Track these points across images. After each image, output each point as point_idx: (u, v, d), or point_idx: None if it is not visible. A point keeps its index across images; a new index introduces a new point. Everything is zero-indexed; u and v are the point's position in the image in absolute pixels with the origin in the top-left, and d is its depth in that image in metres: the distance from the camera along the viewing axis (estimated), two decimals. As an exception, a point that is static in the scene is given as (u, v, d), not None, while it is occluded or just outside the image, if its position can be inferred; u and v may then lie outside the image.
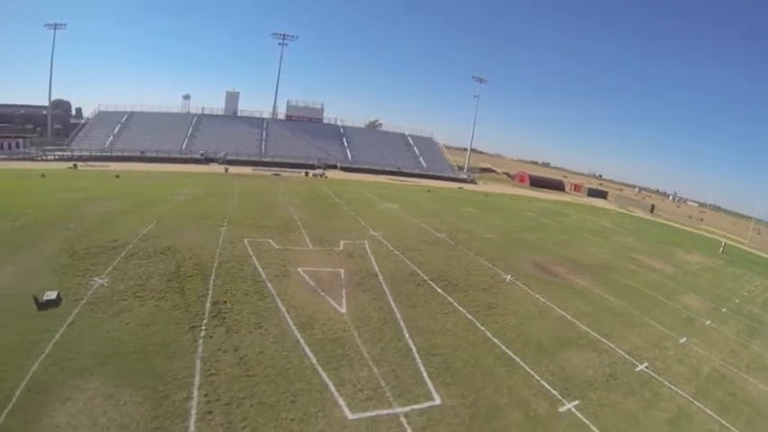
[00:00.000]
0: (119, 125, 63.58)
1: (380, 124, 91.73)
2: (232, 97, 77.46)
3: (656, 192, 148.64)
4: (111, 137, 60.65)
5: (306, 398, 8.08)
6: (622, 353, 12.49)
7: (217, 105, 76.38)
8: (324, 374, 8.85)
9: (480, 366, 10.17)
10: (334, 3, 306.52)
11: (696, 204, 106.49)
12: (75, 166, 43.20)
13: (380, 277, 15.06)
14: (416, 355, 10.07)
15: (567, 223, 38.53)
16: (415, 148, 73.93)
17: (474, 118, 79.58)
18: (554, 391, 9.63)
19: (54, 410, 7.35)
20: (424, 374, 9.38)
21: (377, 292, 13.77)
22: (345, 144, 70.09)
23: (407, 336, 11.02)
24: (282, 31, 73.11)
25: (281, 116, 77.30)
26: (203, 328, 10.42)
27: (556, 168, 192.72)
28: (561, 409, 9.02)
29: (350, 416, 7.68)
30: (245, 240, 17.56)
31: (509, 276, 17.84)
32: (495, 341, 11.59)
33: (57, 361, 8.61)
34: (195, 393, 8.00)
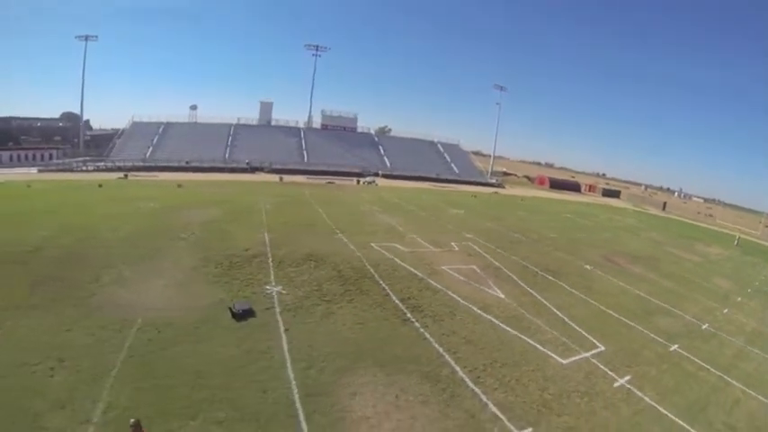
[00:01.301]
0: (156, 136, 64.89)
1: (390, 130, 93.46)
2: (266, 107, 78.87)
3: (660, 189, 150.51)
4: (151, 147, 61.54)
5: (528, 356, 11.84)
6: (689, 317, 17.46)
7: (247, 115, 77.27)
8: (528, 339, 12.89)
9: (610, 327, 15.04)
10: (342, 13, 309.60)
11: (702, 200, 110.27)
12: (126, 176, 44.44)
13: (504, 270, 19.98)
14: (570, 323, 14.72)
15: (600, 222, 43.56)
16: (446, 155, 77.55)
17: (496, 125, 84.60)
18: (660, 339, 14.70)
19: (349, 407, 8.38)
20: (585, 334, 14.03)
21: (511, 281, 18.46)
22: (382, 152, 73.31)
23: (555, 310, 15.70)
24: (315, 43, 75.86)
25: (316, 125, 79.43)
26: (413, 320, 12.73)
27: (560, 169, 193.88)
28: (671, 349, 14.08)
29: (563, 362, 11.89)
30: (374, 245, 20.79)
31: (588, 266, 22.97)
32: (609, 311, 16.65)
33: (309, 365, 9.76)
34: (457, 368, 10.31)
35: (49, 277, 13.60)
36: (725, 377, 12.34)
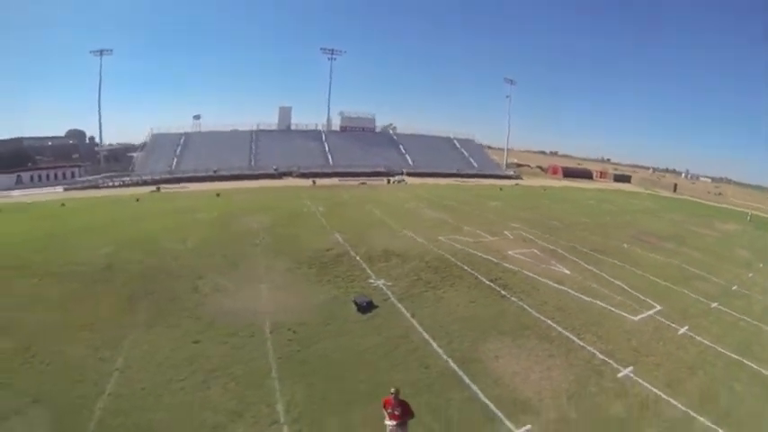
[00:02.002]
0: (178, 147, 65.36)
1: (395, 128, 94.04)
2: (285, 112, 79.65)
3: (667, 170, 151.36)
4: (175, 158, 62.15)
5: (606, 317, 14.11)
6: (721, 281, 20.19)
7: (264, 121, 77.95)
8: (602, 303, 15.43)
9: (660, 291, 17.69)
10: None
11: (709, 180, 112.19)
12: (158, 188, 44.94)
13: (559, 251, 22.88)
14: (629, 290, 17.45)
15: (621, 206, 46.36)
16: (463, 151, 79.97)
17: (508, 118, 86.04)
18: (701, 299, 17.51)
19: (499, 367, 10.39)
20: (642, 297, 16.74)
21: (569, 260, 21.31)
22: (403, 151, 75.53)
23: (613, 280, 18.52)
24: (330, 46, 77.95)
25: (334, 127, 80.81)
26: (509, 296, 15.23)
27: (564, 156, 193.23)
28: (712, 306, 16.92)
29: (634, 318, 14.70)
30: (441, 238, 23.15)
31: (625, 245, 25.97)
32: (655, 279, 19.54)
33: (450, 340, 11.49)
34: (560, 329, 12.89)
35: (144, 292, 14.01)
36: (759, 325, 15.13)
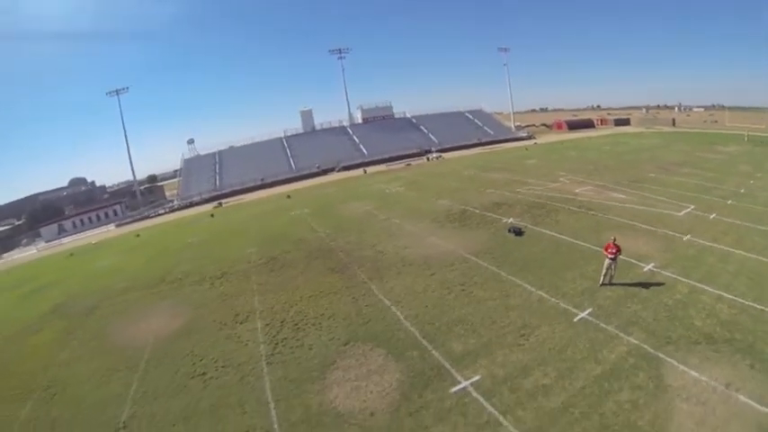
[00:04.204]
0: (216, 164, 70.16)
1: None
2: (307, 115, 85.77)
3: (659, 107, 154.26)
4: (216, 176, 66.44)
5: (661, 217, 21.67)
6: (732, 188, 26.85)
7: (284, 127, 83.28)
8: (654, 209, 22.89)
9: (689, 198, 24.31)
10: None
11: (702, 109, 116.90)
12: (221, 204, 48.71)
13: (609, 185, 29.65)
14: (669, 200, 24.37)
15: (634, 146, 52.83)
16: (476, 121, 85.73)
17: (508, 85, 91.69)
18: (719, 200, 24.05)
19: (623, 244, 21.95)
20: (679, 203, 23.82)
21: (619, 189, 27.86)
22: (425, 131, 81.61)
23: (656, 196, 25.53)
24: (338, 47, 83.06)
25: (357, 121, 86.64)
26: (597, 214, 23.41)
27: (555, 111, 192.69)
28: (728, 203, 23.70)
29: (678, 214, 21.56)
30: (520, 189, 30.46)
31: (651, 174, 33.00)
32: (683, 192, 26.22)
33: (584, 238, 18.89)
34: (640, 225, 20.05)
35: (345, 264, 19.02)
36: (765, 209, 21.91)
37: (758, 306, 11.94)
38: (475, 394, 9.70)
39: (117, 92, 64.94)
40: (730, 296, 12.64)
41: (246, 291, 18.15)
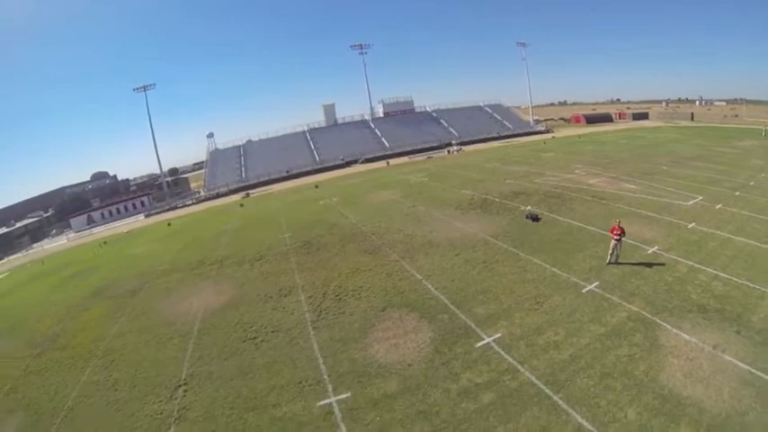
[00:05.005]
0: (241, 156, 71.88)
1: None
2: (329, 108, 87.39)
3: (680, 100, 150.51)
4: (242, 167, 68.10)
5: (668, 205, 22.93)
6: (741, 180, 27.35)
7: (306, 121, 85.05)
8: (663, 199, 23.99)
9: (697, 190, 25.26)
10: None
11: (724, 103, 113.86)
12: (248, 194, 50.10)
13: (621, 176, 30.85)
14: (678, 191, 25.68)
15: (650, 140, 53.12)
16: (495, 115, 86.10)
17: (527, 80, 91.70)
18: (727, 191, 25.01)
19: (628, 229, 23.91)
20: (687, 193, 24.83)
21: (630, 180, 28.98)
22: (445, 125, 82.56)
23: (665, 187, 26.49)
24: (359, 42, 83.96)
25: (379, 114, 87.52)
26: (609, 203, 24.90)
27: (573, 105, 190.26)
28: (736, 194, 24.54)
29: (686, 204, 22.84)
30: (538, 180, 32.00)
31: (664, 167, 33.83)
32: (693, 184, 27.29)
33: (595, 225, 20.77)
34: (646, 212, 22.63)
35: (378, 246, 21.12)
36: None
37: (750, 284, 13.34)
38: (496, 348, 11.52)
39: (144, 87, 66.18)
40: (726, 275, 14.07)
41: (287, 270, 20.08)
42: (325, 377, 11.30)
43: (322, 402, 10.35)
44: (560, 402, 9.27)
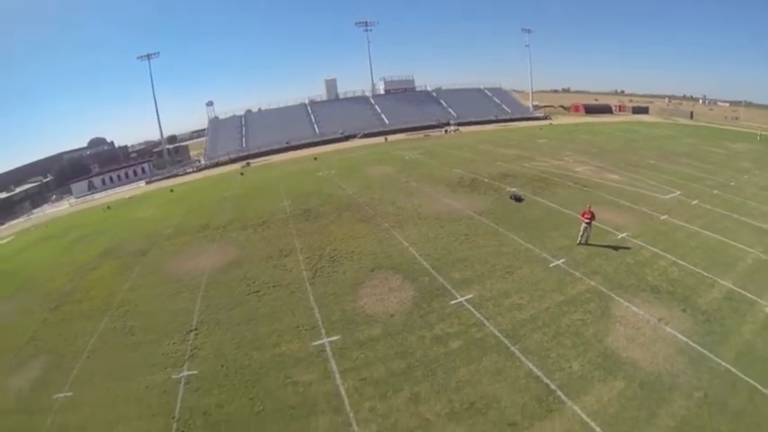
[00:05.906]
0: (242, 127, 71.94)
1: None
2: (331, 83, 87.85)
3: (683, 98, 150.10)
4: (243, 137, 68.28)
5: (644, 197, 24.49)
6: (722, 180, 28.61)
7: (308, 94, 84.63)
8: (641, 191, 25.40)
9: (678, 185, 26.53)
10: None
11: (727, 104, 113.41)
12: (248, 164, 50.79)
13: (607, 167, 32.23)
14: (659, 184, 26.94)
15: (644, 135, 53.80)
16: (495, 98, 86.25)
17: (529, 66, 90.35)
18: (707, 189, 26.15)
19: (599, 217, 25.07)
20: (667, 187, 26.10)
21: (616, 171, 30.16)
22: (445, 105, 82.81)
23: (647, 180, 27.83)
24: (364, 19, 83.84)
25: (380, 91, 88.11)
26: (590, 190, 26.28)
27: (577, 93, 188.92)
28: (714, 192, 26.06)
29: (663, 197, 24.59)
30: (526, 164, 33.21)
31: (651, 161, 34.93)
32: (674, 179, 28.81)
33: (573, 209, 22.32)
34: (625, 202, 24.19)
35: (371, 216, 23.07)
36: (747, 201, 23.51)
37: (704, 273, 14.85)
38: (468, 306, 13.12)
39: (148, 56, 65.65)
40: (684, 263, 15.60)
41: (286, 234, 21.56)
42: (320, 323, 12.93)
43: (316, 343, 12.00)
44: (516, 352, 10.88)
